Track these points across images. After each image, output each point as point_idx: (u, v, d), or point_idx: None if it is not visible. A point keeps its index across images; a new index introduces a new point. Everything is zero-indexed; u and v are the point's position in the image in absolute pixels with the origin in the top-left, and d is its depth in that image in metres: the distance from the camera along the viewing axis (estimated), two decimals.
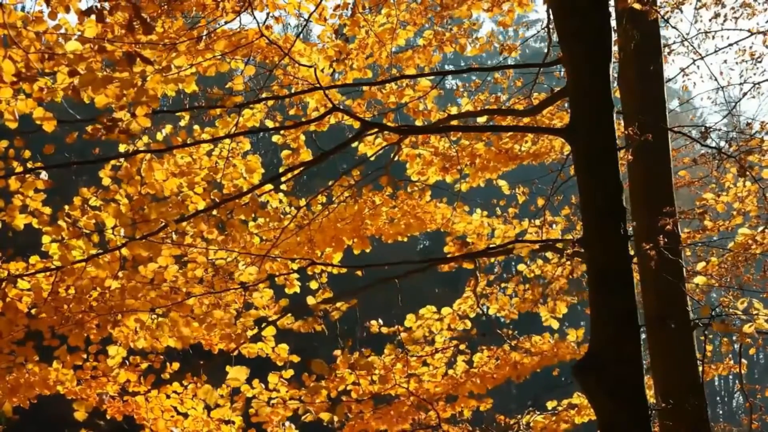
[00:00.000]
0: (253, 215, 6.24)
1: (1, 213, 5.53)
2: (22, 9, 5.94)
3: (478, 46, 7.92)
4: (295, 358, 6.98)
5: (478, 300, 8.18)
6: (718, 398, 45.53)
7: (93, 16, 3.81)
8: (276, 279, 6.75)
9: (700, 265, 8.06)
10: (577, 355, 8.33)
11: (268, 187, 6.77)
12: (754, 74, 11.59)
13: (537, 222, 8.78)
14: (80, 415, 6.37)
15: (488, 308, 8.34)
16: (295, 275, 6.96)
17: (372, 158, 7.75)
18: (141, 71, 4.53)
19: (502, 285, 8.59)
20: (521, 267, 8.65)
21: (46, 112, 4.79)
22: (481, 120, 7.71)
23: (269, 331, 6.83)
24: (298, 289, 7.06)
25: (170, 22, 5.47)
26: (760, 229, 7.40)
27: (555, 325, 8.55)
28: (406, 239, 8.53)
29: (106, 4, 3.83)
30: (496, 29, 8.08)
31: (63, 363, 5.97)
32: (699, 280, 7.63)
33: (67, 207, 5.66)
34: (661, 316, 6.81)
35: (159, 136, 6.46)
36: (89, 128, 4.75)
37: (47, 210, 5.53)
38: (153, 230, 5.40)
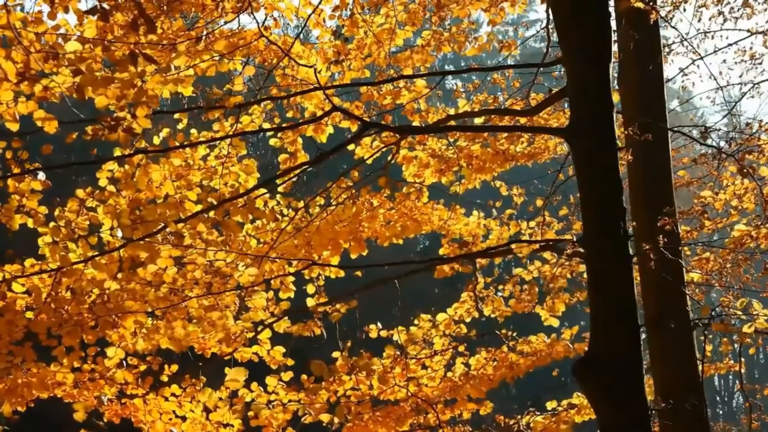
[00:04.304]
0: (249, 217, 6.23)
1: None
2: (22, 9, 5.93)
3: (477, 45, 7.92)
4: (290, 362, 6.94)
5: (477, 301, 8.17)
6: (718, 398, 45.52)
7: (96, 16, 3.80)
8: (272, 282, 6.70)
9: (695, 261, 8.06)
10: (572, 353, 8.34)
11: (263, 190, 6.74)
12: (754, 74, 11.59)
13: (533, 223, 8.78)
14: (80, 416, 6.35)
15: (483, 309, 8.33)
16: (291, 278, 6.92)
17: (369, 161, 7.74)
18: (140, 72, 4.52)
19: (499, 287, 8.58)
20: (518, 270, 8.63)
21: (47, 114, 4.79)
22: (480, 120, 7.71)
23: (265, 334, 6.80)
24: (292, 294, 7.01)
25: (169, 22, 5.46)
26: (758, 225, 7.41)
27: (555, 323, 8.56)
28: (401, 241, 8.53)
29: (105, 5, 3.83)
30: (496, 29, 8.06)
31: (61, 364, 5.95)
32: (694, 275, 7.63)
33: (61, 209, 5.65)
34: (661, 316, 6.80)
35: (156, 140, 6.45)
36: (89, 129, 4.75)
37: (43, 210, 5.52)
38: (151, 231, 5.39)
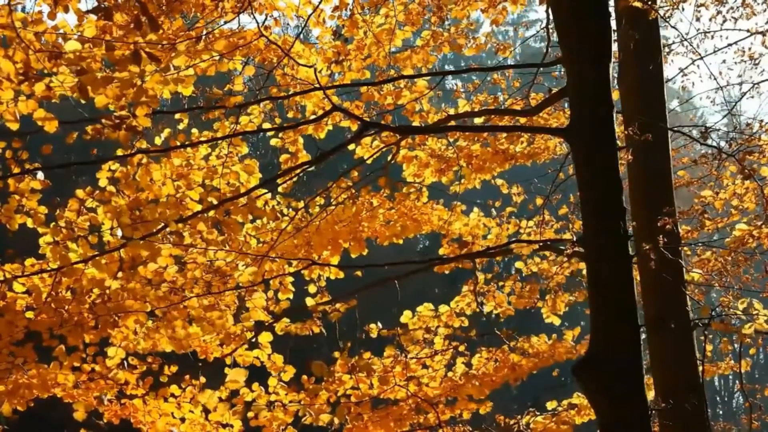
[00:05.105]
0: (250, 216, 6.22)
1: None
2: (23, 10, 5.94)
3: (475, 46, 7.92)
4: (291, 369, 6.90)
5: (477, 300, 8.17)
6: (718, 398, 45.53)
7: (99, 15, 3.80)
8: (270, 282, 6.69)
9: (696, 261, 8.07)
10: (574, 355, 8.35)
11: (263, 190, 6.75)
12: (754, 74, 11.60)
13: (532, 222, 8.79)
14: (80, 415, 6.35)
15: (485, 306, 8.33)
16: (290, 278, 6.92)
17: (369, 161, 7.74)
18: (140, 71, 4.52)
19: (500, 283, 8.59)
20: (519, 264, 8.66)
21: (47, 113, 4.79)
22: (480, 120, 7.71)
23: (265, 338, 6.77)
24: (291, 295, 6.99)
25: (169, 22, 5.46)
26: (759, 224, 7.41)
27: (557, 321, 8.57)
28: (401, 241, 8.53)
29: (106, 4, 3.83)
30: (495, 29, 8.06)
31: (61, 364, 5.95)
32: (694, 275, 7.64)
33: (61, 209, 5.64)
34: (660, 316, 6.80)
35: (157, 140, 6.45)
36: (89, 128, 4.75)
37: (42, 209, 5.52)
38: (151, 231, 5.39)
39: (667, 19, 8.21)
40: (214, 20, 5.83)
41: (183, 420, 6.74)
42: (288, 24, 6.76)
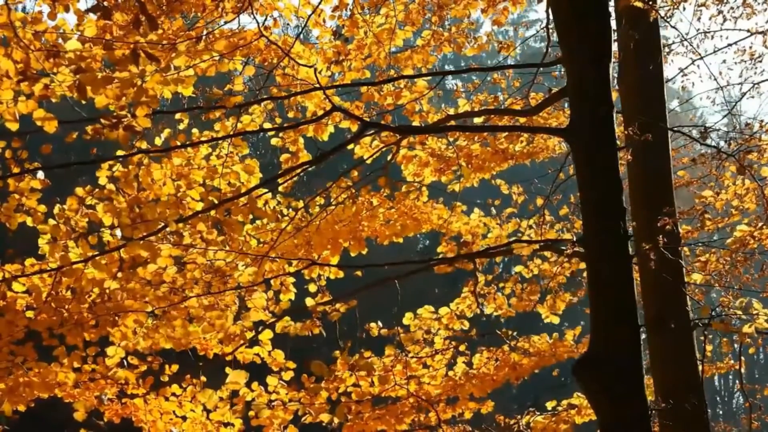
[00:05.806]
0: (250, 216, 6.23)
1: None
2: (23, 10, 5.94)
3: (476, 45, 7.92)
4: (291, 365, 6.91)
5: (478, 300, 8.18)
6: (718, 398, 45.52)
7: (98, 15, 3.80)
8: (272, 282, 6.68)
9: (697, 263, 8.07)
10: (575, 354, 8.35)
11: (264, 190, 6.75)
12: (754, 74, 11.61)
13: (531, 222, 8.79)
14: (80, 415, 6.36)
15: (485, 307, 8.33)
16: (291, 279, 6.91)
17: (369, 161, 7.74)
18: (141, 71, 4.52)
19: (500, 285, 8.59)
20: (519, 268, 8.66)
21: (47, 113, 4.79)
22: (480, 120, 7.71)
23: (266, 335, 6.78)
24: (293, 296, 6.98)
25: (169, 22, 5.46)
26: (759, 225, 7.42)
27: (555, 320, 8.56)
28: (401, 240, 8.54)
29: (106, 3, 3.83)
30: (496, 29, 8.06)
31: (62, 364, 5.95)
32: (696, 277, 7.64)
33: (60, 207, 5.64)
34: (660, 316, 6.81)
35: (158, 141, 6.45)
36: (89, 128, 4.75)
37: (42, 208, 5.52)
38: (152, 231, 5.39)
39: (667, 19, 8.21)
40: (214, 20, 5.82)
41: (184, 419, 6.75)
42: (288, 24, 6.75)
